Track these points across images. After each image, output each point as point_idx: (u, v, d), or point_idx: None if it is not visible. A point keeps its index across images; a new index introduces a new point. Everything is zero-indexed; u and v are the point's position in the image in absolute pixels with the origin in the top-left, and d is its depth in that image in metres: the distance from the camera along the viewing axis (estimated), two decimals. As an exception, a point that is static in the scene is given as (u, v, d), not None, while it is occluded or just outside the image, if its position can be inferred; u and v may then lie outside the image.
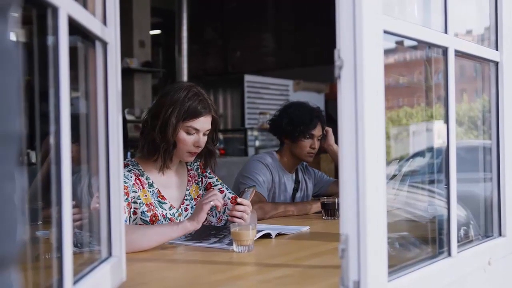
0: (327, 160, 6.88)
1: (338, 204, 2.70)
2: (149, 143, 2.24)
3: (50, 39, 1.02)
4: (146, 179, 2.26)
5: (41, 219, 1.44)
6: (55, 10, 1.00)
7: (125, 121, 3.57)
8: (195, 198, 2.39)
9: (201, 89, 2.28)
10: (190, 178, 2.41)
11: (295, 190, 3.19)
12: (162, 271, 1.74)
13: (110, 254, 1.39)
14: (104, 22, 1.36)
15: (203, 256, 1.84)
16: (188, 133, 2.23)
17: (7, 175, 0.56)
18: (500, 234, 1.85)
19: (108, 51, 1.37)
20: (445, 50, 1.56)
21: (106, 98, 1.37)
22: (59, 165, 1.01)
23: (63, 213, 1.02)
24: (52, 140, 1.01)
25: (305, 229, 2.39)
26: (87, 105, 1.37)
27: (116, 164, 1.40)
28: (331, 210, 2.69)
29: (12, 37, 0.60)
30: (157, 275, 1.67)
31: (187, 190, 2.38)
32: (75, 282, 1.09)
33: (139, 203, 2.18)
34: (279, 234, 2.22)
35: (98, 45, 1.34)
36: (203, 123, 2.24)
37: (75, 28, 1.11)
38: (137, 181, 2.21)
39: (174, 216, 2.28)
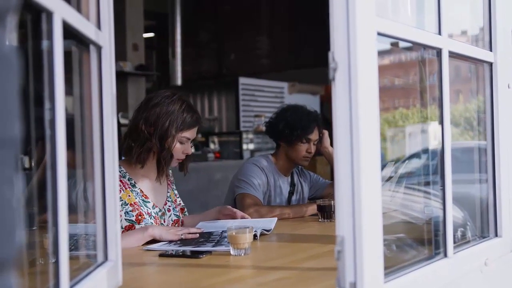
0: (322, 163, 6.88)
1: (334, 206, 2.69)
2: (145, 152, 2.30)
3: (44, 43, 1.01)
4: (129, 180, 2.33)
5: (37, 225, 1.43)
6: (49, 14, 1.00)
7: (119, 125, 3.64)
8: (174, 201, 2.51)
9: (188, 99, 2.41)
10: (169, 183, 2.53)
11: (291, 193, 3.18)
12: (158, 275, 1.74)
13: (106, 258, 1.39)
14: (98, 26, 1.36)
15: (199, 259, 1.84)
16: (181, 142, 2.34)
17: (6, 180, 0.56)
18: (496, 235, 1.85)
19: (102, 55, 1.37)
20: (439, 52, 1.56)
21: (101, 103, 1.37)
22: (55, 170, 1.01)
23: (59, 218, 1.01)
24: (47, 144, 1.00)
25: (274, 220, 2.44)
26: (81, 109, 1.37)
27: (111, 168, 1.40)
28: (327, 213, 2.69)
29: (10, 42, 0.60)
30: (153, 279, 1.67)
31: (168, 192, 2.49)
32: (71, 287, 1.09)
33: (121, 204, 2.24)
34: (263, 234, 2.25)
35: (92, 49, 1.34)
36: (195, 132, 2.39)
37: (69, 32, 1.11)
38: (119, 182, 2.25)
39: (157, 215, 2.37)
